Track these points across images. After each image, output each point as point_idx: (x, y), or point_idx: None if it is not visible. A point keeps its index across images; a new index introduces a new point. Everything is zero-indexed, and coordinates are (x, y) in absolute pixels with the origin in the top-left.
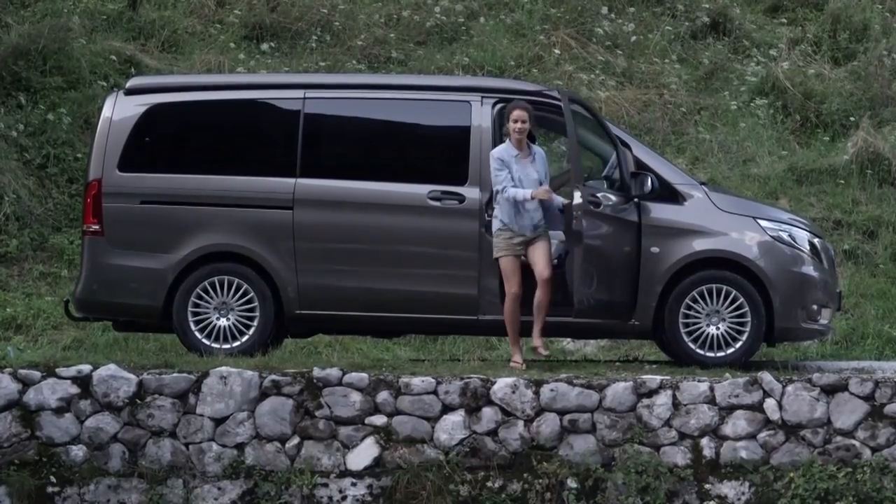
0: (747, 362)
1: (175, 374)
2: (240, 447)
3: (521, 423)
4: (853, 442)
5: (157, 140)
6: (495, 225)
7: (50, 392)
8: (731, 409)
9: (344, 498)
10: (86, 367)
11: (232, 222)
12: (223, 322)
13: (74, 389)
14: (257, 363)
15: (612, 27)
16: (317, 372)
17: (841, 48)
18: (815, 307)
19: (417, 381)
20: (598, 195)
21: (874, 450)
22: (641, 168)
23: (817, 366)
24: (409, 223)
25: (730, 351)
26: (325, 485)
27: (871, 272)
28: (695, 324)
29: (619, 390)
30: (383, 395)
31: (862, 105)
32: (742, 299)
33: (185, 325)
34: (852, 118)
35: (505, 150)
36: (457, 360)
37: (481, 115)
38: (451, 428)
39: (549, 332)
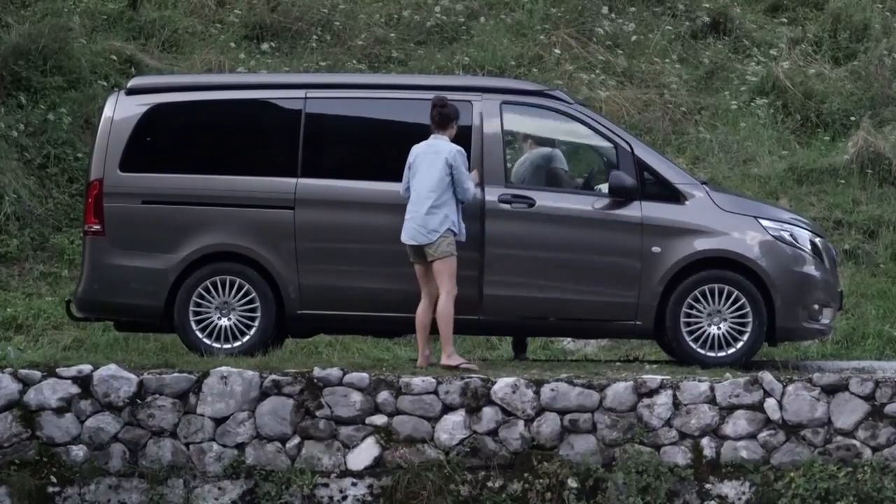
0: (748, 362)
1: (175, 374)
2: (240, 447)
3: (521, 422)
4: (854, 442)
5: (159, 140)
6: (444, 225)
7: (50, 392)
8: (732, 408)
9: (344, 498)
10: (86, 367)
11: (233, 222)
12: (224, 322)
13: (75, 389)
14: (258, 363)
15: (613, 27)
16: (317, 372)
17: (841, 48)
18: (816, 307)
19: (418, 381)
20: (529, 193)
21: (875, 449)
22: (642, 167)
23: (818, 366)
24: None
25: (731, 351)
26: (326, 485)
27: (872, 272)
28: (696, 324)
29: (619, 390)
30: (384, 395)
31: (862, 105)
32: (744, 299)
33: (186, 324)
34: (853, 118)
35: None
36: None
37: (482, 115)
38: (452, 428)
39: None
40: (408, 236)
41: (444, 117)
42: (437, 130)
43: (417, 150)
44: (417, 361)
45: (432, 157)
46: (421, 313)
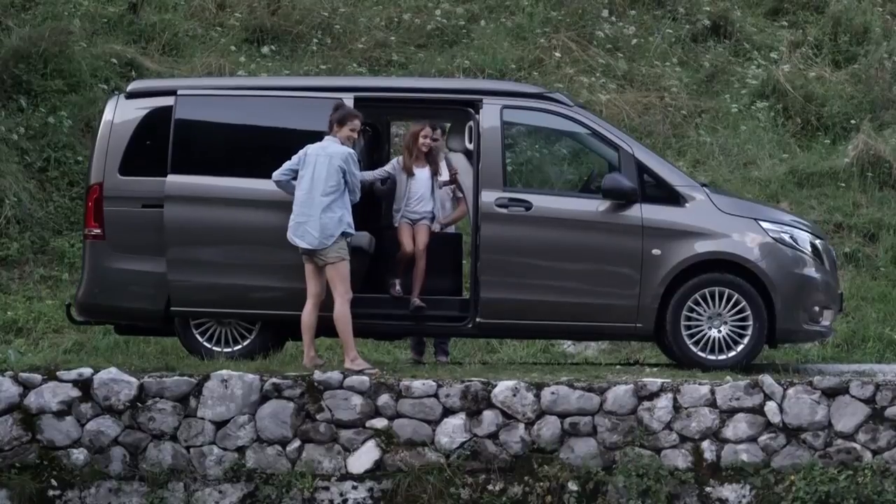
0: (748, 365)
1: (176, 378)
2: (240, 450)
3: (521, 426)
4: (854, 445)
5: (158, 143)
6: (340, 228)
7: (51, 395)
8: (732, 411)
9: (345, 501)
10: (87, 371)
11: None
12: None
13: (75, 393)
14: (258, 366)
15: (613, 30)
16: (318, 375)
17: (841, 51)
18: (816, 308)
19: (418, 384)
20: (527, 197)
21: (875, 452)
22: (643, 170)
23: (818, 369)
24: None
25: (731, 354)
26: (326, 488)
27: (872, 275)
28: (696, 326)
29: (619, 393)
30: (384, 399)
31: (862, 108)
32: (744, 302)
33: (186, 328)
34: (853, 121)
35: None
36: (458, 364)
37: (482, 118)
38: (452, 431)
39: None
40: (302, 240)
41: (334, 120)
42: (331, 132)
43: (311, 150)
44: (303, 361)
45: (325, 160)
46: (306, 314)
